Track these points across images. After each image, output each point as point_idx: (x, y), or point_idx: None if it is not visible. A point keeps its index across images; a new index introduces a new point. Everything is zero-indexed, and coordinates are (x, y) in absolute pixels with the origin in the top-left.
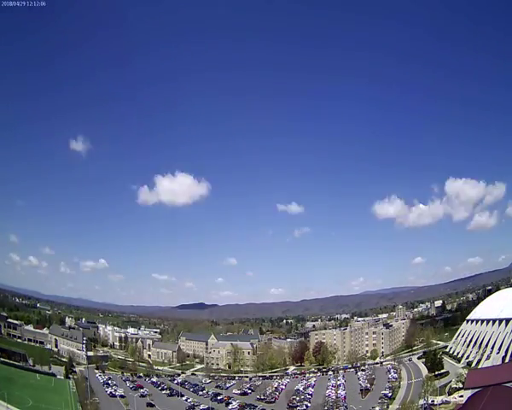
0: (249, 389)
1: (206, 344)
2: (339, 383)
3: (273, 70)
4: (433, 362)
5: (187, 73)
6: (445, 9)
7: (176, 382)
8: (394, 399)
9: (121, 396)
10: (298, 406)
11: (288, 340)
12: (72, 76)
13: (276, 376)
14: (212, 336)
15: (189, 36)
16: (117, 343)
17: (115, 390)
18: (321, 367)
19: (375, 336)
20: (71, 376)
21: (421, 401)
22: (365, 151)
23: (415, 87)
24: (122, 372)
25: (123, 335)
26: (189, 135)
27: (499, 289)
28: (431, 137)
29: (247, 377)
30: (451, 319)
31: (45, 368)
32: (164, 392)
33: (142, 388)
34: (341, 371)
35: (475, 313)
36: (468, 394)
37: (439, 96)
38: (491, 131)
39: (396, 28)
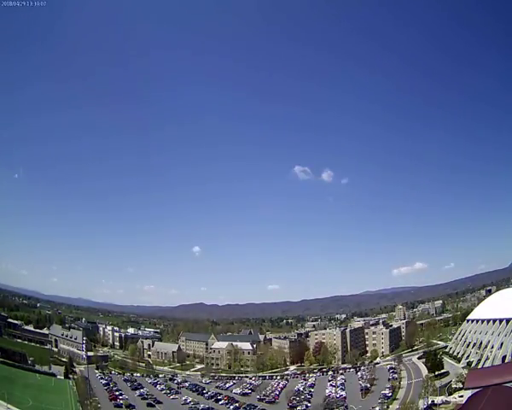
0: (249, 389)
1: (206, 344)
2: (339, 383)
3: None
4: (433, 362)
5: None
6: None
7: (176, 382)
8: (394, 399)
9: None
10: (298, 406)
11: (288, 340)
12: (72, 75)
13: (276, 376)
14: (212, 336)
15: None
16: (117, 343)
17: (116, 390)
18: (321, 367)
19: (374, 336)
20: (71, 376)
21: (422, 401)
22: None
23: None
24: (123, 373)
25: (123, 335)
26: None
27: (499, 290)
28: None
29: (247, 377)
30: (451, 319)
31: (45, 368)
32: (163, 392)
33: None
34: (341, 371)
35: (475, 313)
36: (468, 394)
37: None
38: None
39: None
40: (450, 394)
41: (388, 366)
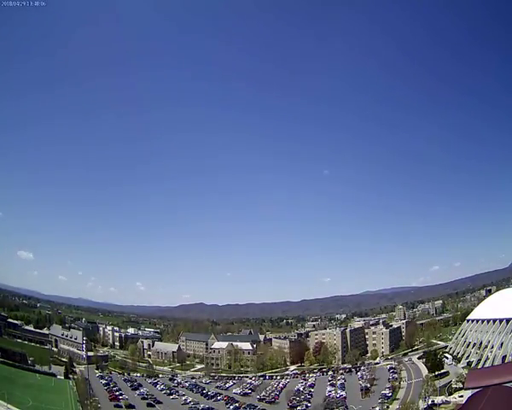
0: (249, 389)
1: (206, 344)
2: (339, 383)
3: None
4: (433, 362)
5: None
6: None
7: (175, 382)
8: (395, 399)
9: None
10: (298, 406)
11: (288, 340)
12: (73, 76)
13: (276, 376)
14: (212, 336)
15: None
16: (117, 343)
17: (116, 390)
18: (321, 367)
19: (375, 336)
20: (71, 376)
21: (422, 401)
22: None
23: None
24: (123, 373)
25: (123, 335)
26: None
27: (499, 290)
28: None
29: (247, 377)
30: (451, 319)
31: (45, 368)
32: (163, 392)
33: None
34: (341, 371)
35: (475, 313)
36: (468, 394)
37: None
38: None
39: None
40: (450, 394)
41: (388, 366)
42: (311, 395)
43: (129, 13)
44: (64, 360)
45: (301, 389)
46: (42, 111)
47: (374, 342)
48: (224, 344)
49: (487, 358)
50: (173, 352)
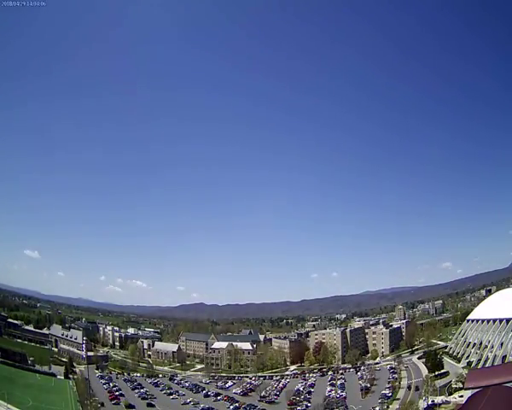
0: (249, 389)
1: (206, 344)
2: (339, 383)
3: None
4: (433, 362)
5: None
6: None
7: (175, 382)
8: (395, 399)
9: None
10: (298, 406)
11: (288, 340)
12: (72, 74)
13: (276, 376)
14: (212, 336)
15: None
16: (117, 343)
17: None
18: (321, 367)
19: (375, 336)
20: (71, 376)
21: (422, 401)
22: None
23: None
24: (123, 373)
25: (123, 335)
26: None
27: (499, 290)
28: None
29: (247, 377)
30: (451, 319)
31: (45, 368)
32: (163, 392)
33: None
34: (341, 371)
35: (475, 313)
36: (468, 394)
37: None
38: None
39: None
40: (450, 394)
41: (388, 366)
42: (311, 394)
43: (129, 9)
44: (64, 360)
45: (301, 389)
46: (40, 105)
47: (374, 342)
48: (224, 344)
49: (487, 358)
50: (173, 352)
